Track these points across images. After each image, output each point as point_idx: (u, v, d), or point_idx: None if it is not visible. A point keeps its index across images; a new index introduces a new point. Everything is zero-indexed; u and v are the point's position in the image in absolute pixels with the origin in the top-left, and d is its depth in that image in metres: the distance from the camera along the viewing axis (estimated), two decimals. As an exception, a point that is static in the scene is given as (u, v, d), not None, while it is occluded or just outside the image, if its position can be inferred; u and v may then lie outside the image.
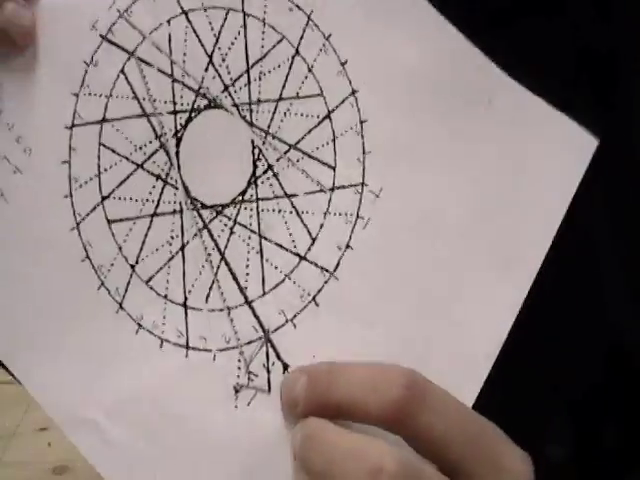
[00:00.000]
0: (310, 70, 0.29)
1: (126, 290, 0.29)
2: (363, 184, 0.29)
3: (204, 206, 0.29)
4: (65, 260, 0.30)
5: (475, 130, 0.28)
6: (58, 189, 0.30)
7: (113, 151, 0.29)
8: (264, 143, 0.29)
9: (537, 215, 0.28)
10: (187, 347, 0.29)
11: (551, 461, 0.28)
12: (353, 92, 0.29)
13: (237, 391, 0.29)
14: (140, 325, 0.29)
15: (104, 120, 0.29)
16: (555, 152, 0.28)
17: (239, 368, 0.29)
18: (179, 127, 0.29)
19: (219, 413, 0.29)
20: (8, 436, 0.85)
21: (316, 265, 0.29)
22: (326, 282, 0.29)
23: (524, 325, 0.28)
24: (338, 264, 0.29)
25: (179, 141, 0.29)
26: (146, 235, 0.29)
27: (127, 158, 0.29)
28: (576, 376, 0.31)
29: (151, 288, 0.29)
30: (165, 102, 0.29)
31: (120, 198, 0.29)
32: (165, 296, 0.29)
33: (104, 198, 0.29)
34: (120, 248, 0.29)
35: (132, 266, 0.29)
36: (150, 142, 0.29)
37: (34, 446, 0.83)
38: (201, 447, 0.29)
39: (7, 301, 0.30)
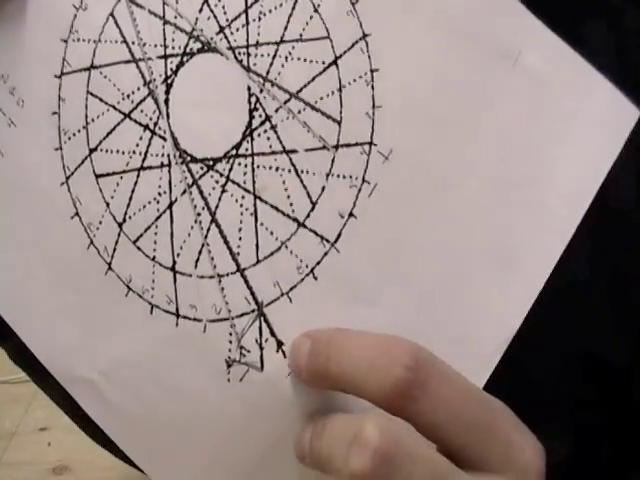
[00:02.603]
0: (316, 10, 0.25)
1: (114, 250, 0.27)
2: (371, 143, 0.25)
3: (194, 159, 0.26)
4: (56, 216, 0.28)
5: (500, 89, 0.24)
6: (49, 142, 0.28)
7: (101, 100, 0.27)
8: (262, 91, 0.25)
9: (564, 195, 0.24)
10: (177, 315, 0.27)
11: (551, 461, 0.25)
12: (364, 36, 0.25)
13: (229, 365, 0.26)
14: (130, 288, 0.27)
15: (92, 67, 0.27)
16: (591, 120, 0.24)
17: (230, 342, 0.26)
18: (169, 73, 0.26)
19: (211, 386, 0.27)
20: (8, 436, 0.86)
21: (315, 233, 0.25)
22: (326, 254, 0.25)
23: (525, 321, 0.25)
24: (340, 234, 0.25)
25: (169, 88, 0.26)
26: (133, 191, 0.27)
27: (114, 107, 0.26)
28: (576, 376, 0.29)
29: (139, 249, 0.27)
30: (155, 46, 0.26)
31: (107, 151, 0.27)
32: (153, 258, 0.27)
33: (92, 151, 0.27)
34: (108, 205, 0.27)
35: (120, 224, 0.27)
36: (138, 89, 0.26)
37: (34, 446, 0.84)
38: (193, 418, 0.27)
39: (2, 256, 0.29)
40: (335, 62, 0.25)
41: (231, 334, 0.26)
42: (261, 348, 0.26)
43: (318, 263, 0.26)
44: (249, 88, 0.26)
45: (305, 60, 0.25)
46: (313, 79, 0.25)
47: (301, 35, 0.25)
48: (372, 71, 0.25)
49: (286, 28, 0.25)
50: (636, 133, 0.25)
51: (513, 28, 0.25)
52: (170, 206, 0.26)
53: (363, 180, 0.25)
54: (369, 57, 0.25)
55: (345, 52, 0.25)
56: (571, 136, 0.25)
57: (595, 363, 0.27)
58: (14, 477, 0.80)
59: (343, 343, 0.24)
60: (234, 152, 0.26)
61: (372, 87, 0.25)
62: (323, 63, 0.25)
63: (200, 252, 0.26)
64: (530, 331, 0.26)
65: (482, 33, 0.25)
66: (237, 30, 0.25)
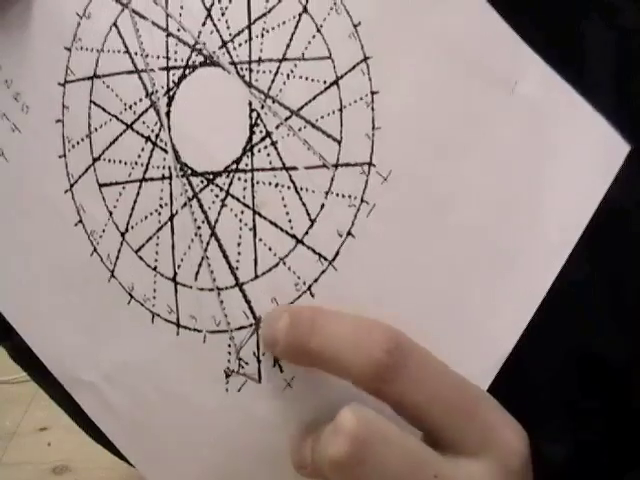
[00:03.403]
0: (319, 30, 0.25)
1: (117, 258, 0.28)
2: (370, 164, 0.25)
3: (194, 173, 0.26)
4: (60, 223, 0.28)
5: (497, 117, 0.24)
6: (53, 149, 0.28)
7: (104, 109, 0.27)
8: (263, 107, 0.25)
9: (557, 221, 0.24)
10: (178, 325, 0.27)
11: (551, 461, 0.26)
12: (365, 58, 0.25)
13: (228, 375, 0.27)
14: (132, 296, 0.28)
15: (95, 76, 0.27)
16: (582, 153, 0.24)
17: (229, 353, 0.27)
18: (171, 85, 0.26)
19: (210, 395, 0.27)
20: (8, 436, 0.86)
21: (313, 251, 0.25)
22: (323, 272, 0.26)
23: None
24: (338, 253, 0.25)
25: (171, 100, 0.26)
26: (135, 202, 0.27)
27: (117, 117, 0.26)
28: (575, 377, 0.29)
29: (141, 258, 0.27)
30: (158, 57, 0.26)
31: (110, 160, 0.27)
32: (155, 268, 0.27)
33: (95, 160, 0.27)
34: (111, 213, 0.27)
35: (122, 234, 0.27)
36: (140, 100, 0.26)
37: (34, 446, 0.84)
38: (192, 425, 0.28)
39: (6, 261, 0.30)
40: (336, 82, 0.25)
41: (230, 346, 0.27)
42: (258, 361, 0.26)
43: (315, 280, 0.26)
44: (250, 103, 0.25)
45: (307, 78, 0.25)
46: (314, 98, 0.25)
47: (303, 54, 0.25)
48: (372, 93, 0.25)
49: (288, 46, 0.25)
50: (635, 133, 0.25)
51: (510, 58, 0.25)
52: (171, 218, 0.26)
53: (362, 200, 0.25)
54: (370, 79, 0.25)
55: (346, 73, 0.25)
56: (565, 166, 0.25)
57: (594, 363, 0.27)
58: (14, 477, 0.81)
59: (325, 322, 0.24)
60: (234, 167, 0.26)
61: (372, 109, 0.25)
62: (324, 82, 0.25)
63: (200, 265, 0.26)
64: (529, 331, 0.26)
65: (481, 61, 0.24)
66: (240, 45, 0.25)
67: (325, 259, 0.25)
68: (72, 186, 0.28)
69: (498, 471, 0.23)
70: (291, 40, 0.25)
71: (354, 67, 0.25)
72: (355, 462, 0.22)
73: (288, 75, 0.25)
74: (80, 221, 0.28)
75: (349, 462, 0.22)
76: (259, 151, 0.25)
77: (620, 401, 0.31)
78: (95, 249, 0.28)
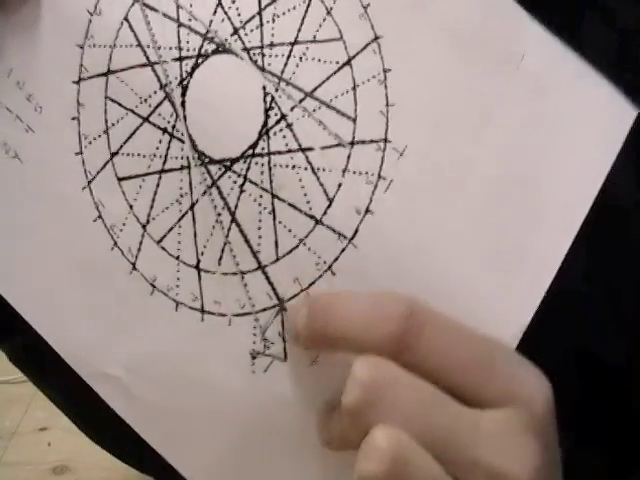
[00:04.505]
0: (329, 13, 0.25)
1: (139, 250, 0.28)
2: (386, 140, 0.25)
3: (212, 161, 0.26)
4: (78, 220, 0.29)
5: (504, 91, 0.25)
6: (69, 147, 0.28)
7: (119, 104, 0.27)
8: (277, 90, 0.26)
9: (566, 195, 0.24)
10: (202, 311, 0.28)
11: None
12: (376, 37, 0.25)
13: (254, 357, 0.27)
14: (154, 286, 0.28)
15: (109, 72, 0.27)
16: (591, 120, 0.24)
17: (255, 335, 0.27)
18: (185, 75, 0.26)
19: (236, 378, 0.28)
20: (8, 436, 0.86)
21: (333, 230, 0.26)
22: (343, 250, 0.26)
23: None
24: (357, 230, 0.26)
25: (185, 90, 0.26)
26: (155, 193, 0.27)
27: (133, 111, 0.27)
28: (574, 376, 0.29)
29: (163, 248, 0.28)
30: (170, 48, 0.26)
31: (129, 154, 0.27)
32: (177, 257, 0.28)
33: (113, 155, 0.28)
34: (131, 207, 0.28)
35: (143, 226, 0.28)
36: (155, 92, 0.27)
37: (34, 446, 0.84)
38: (220, 410, 0.28)
39: (26, 260, 0.30)
40: (349, 62, 0.25)
41: (255, 327, 0.27)
42: (284, 340, 0.27)
43: (336, 259, 0.26)
44: (264, 88, 0.26)
45: (319, 60, 0.26)
46: (327, 78, 0.26)
47: (314, 37, 0.26)
48: (385, 71, 0.25)
49: (300, 30, 0.26)
50: (635, 133, 0.26)
51: (515, 33, 0.25)
52: (192, 207, 0.27)
53: (379, 176, 0.26)
54: (381, 58, 0.25)
55: (358, 53, 0.25)
56: (572, 136, 0.25)
57: (593, 363, 0.27)
58: (14, 477, 0.81)
59: (339, 304, 0.25)
60: (251, 152, 0.26)
61: (385, 86, 0.25)
62: (337, 63, 0.26)
63: (222, 250, 0.27)
64: (528, 331, 0.26)
65: (487, 38, 0.25)
66: (251, 31, 0.26)
67: (345, 237, 0.26)
68: (90, 182, 0.28)
69: (523, 417, 0.24)
70: (302, 24, 0.25)
71: (365, 47, 0.25)
72: (366, 405, 0.23)
73: (301, 58, 0.26)
74: (99, 216, 0.28)
75: (361, 407, 0.23)
76: (275, 134, 0.26)
77: (619, 402, 0.31)
78: (115, 243, 0.28)
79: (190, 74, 0.26)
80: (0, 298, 0.31)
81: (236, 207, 0.26)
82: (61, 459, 0.81)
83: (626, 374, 0.31)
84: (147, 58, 0.26)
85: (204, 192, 0.27)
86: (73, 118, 0.28)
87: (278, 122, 0.26)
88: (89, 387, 0.30)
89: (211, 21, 0.26)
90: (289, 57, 0.26)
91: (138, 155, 0.27)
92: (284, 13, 0.26)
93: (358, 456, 0.23)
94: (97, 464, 0.77)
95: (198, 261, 0.27)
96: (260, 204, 0.26)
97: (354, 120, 0.26)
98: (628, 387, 0.31)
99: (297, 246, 0.26)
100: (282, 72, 0.26)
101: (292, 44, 0.26)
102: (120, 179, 0.28)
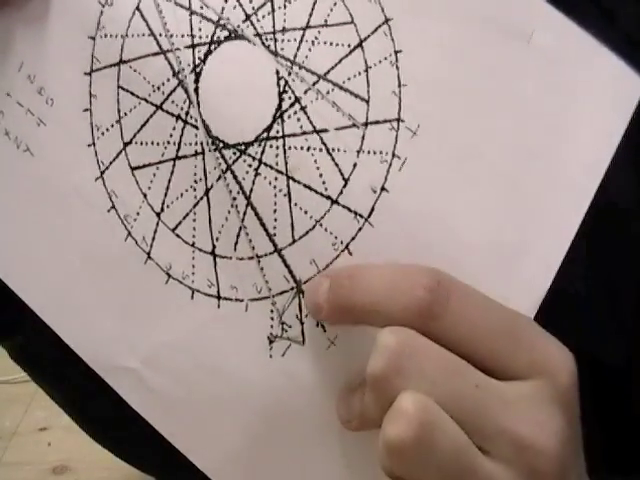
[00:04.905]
0: None
1: (153, 239, 0.28)
2: (399, 120, 0.26)
3: (226, 145, 0.27)
4: (92, 211, 0.29)
5: (516, 66, 0.25)
6: (81, 138, 0.28)
7: (132, 94, 0.27)
8: (290, 74, 0.26)
9: (581, 163, 0.25)
10: (219, 297, 0.28)
11: None
12: (386, 20, 0.26)
13: (271, 342, 0.28)
14: (169, 275, 0.28)
15: (121, 62, 0.27)
16: (600, 92, 0.25)
17: (272, 319, 0.27)
18: (197, 61, 0.27)
19: (254, 363, 0.28)
20: (8, 436, 0.86)
21: (349, 210, 0.26)
22: (360, 229, 0.26)
23: None
24: (373, 209, 0.26)
25: (198, 76, 0.27)
26: (169, 181, 0.27)
27: (146, 100, 0.27)
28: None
29: (178, 236, 0.28)
30: (183, 36, 0.27)
31: (142, 143, 0.28)
32: (193, 244, 0.28)
33: (126, 144, 0.28)
34: (145, 196, 0.28)
35: (158, 214, 0.28)
36: (168, 80, 0.27)
37: (34, 446, 0.84)
38: (238, 396, 0.28)
39: (38, 255, 0.30)
40: (360, 45, 0.26)
41: (272, 311, 0.27)
42: (301, 323, 0.27)
43: (353, 238, 0.26)
44: (277, 72, 0.26)
45: (331, 44, 0.26)
46: (340, 61, 0.26)
47: (326, 21, 0.26)
48: (396, 52, 0.26)
49: (311, 14, 0.26)
50: (634, 133, 0.26)
51: (525, 9, 0.26)
52: (207, 192, 0.27)
53: (393, 155, 0.26)
54: (392, 40, 0.26)
55: (369, 35, 0.26)
56: (583, 107, 0.26)
57: (592, 363, 0.27)
58: (14, 477, 0.80)
59: (364, 274, 0.25)
60: (265, 135, 0.27)
61: (397, 67, 0.26)
62: (349, 46, 0.26)
63: (238, 235, 0.27)
64: None
65: (497, 14, 0.26)
66: (263, 17, 0.26)
67: (361, 216, 0.26)
68: (103, 173, 0.28)
69: (549, 389, 0.24)
70: (313, 9, 0.26)
71: (376, 29, 0.26)
72: (393, 373, 0.23)
73: (313, 42, 0.26)
74: (113, 207, 0.28)
75: (386, 374, 0.23)
76: (289, 117, 0.26)
77: (618, 402, 0.31)
78: (129, 233, 0.28)
79: (203, 61, 0.27)
80: (1, 296, 0.31)
81: (251, 191, 0.27)
82: (61, 459, 0.81)
83: (625, 375, 0.31)
84: (159, 46, 0.27)
85: (219, 177, 0.27)
86: (85, 110, 0.28)
87: (292, 105, 0.26)
88: (90, 385, 0.30)
89: (223, 8, 0.26)
90: (301, 41, 0.26)
91: (152, 143, 0.27)
92: None
93: (383, 422, 0.23)
94: (97, 464, 0.76)
95: (214, 247, 0.28)
96: (275, 187, 0.27)
97: (367, 101, 0.26)
98: (627, 388, 0.31)
99: (313, 227, 0.27)
100: (295, 56, 0.26)
101: (304, 29, 0.26)
102: (134, 168, 0.28)
